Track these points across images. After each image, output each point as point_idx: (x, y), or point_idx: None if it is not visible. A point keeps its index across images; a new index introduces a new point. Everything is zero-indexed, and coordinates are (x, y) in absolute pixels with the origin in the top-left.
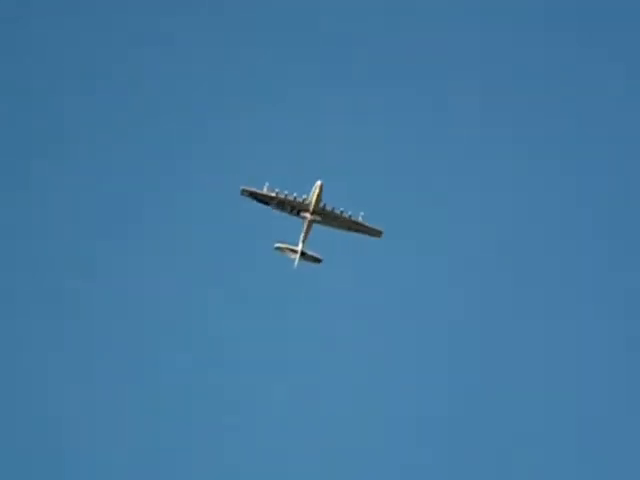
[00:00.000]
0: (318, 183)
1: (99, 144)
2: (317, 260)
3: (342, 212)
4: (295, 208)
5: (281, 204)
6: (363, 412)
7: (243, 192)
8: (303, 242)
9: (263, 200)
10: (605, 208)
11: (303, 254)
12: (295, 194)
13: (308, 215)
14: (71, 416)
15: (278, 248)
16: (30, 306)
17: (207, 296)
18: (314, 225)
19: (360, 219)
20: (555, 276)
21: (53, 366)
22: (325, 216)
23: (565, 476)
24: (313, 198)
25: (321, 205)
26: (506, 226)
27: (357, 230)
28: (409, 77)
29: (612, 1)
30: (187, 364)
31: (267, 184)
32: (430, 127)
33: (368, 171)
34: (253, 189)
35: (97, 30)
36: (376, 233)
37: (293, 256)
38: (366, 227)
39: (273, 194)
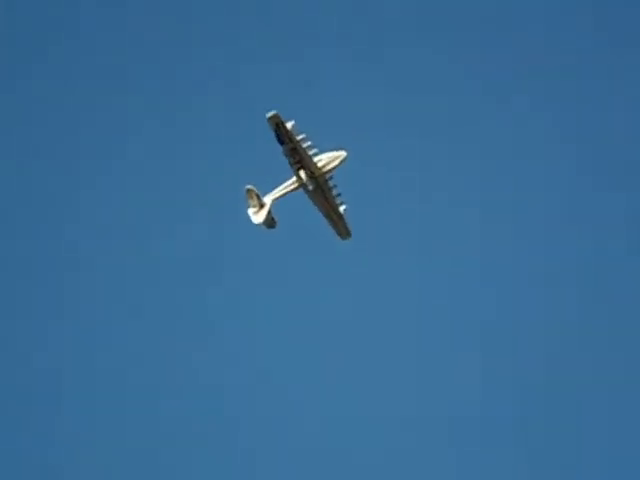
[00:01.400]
0: (343, 154)
1: None
2: (272, 225)
3: (335, 196)
4: (301, 163)
5: (294, 153)
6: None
7: (272, 118)
8: (275, 198)
9: (281, 138)
10: None
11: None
12: (316, 150)
13: (304, 177)
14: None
15: (248, 190)
16: None
17: None
18: (298, 191)
19: (342, 211)
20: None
21: None
22: (319, 189)
23: None
24: (327, 167)
25: (327, 177)
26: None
27: (332, 221)
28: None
29: None
30: None
31: (294, 122)
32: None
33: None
34: (283, 120)
35: None
36: (345, 233)
37: (253, 209)
38: (341, 223)
39: (298, 137)
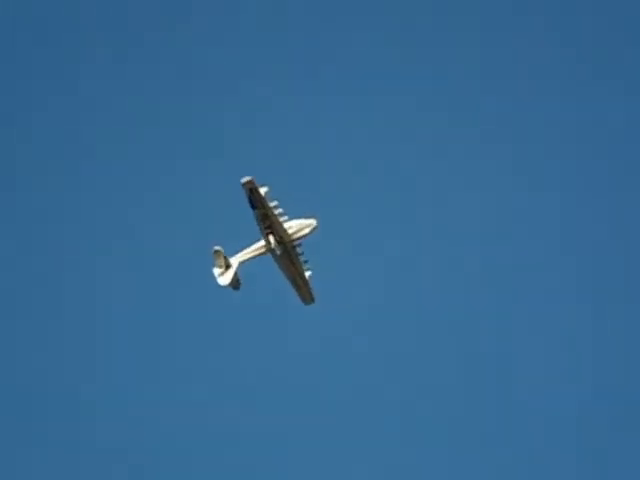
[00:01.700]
0: (313, 223)
1: None
2: (236, 286)
3: (302, 262)
4: (271, 229)
5: (265, 218)
6: None
7: (246, 184)
8: (242, 261)
9: (254, 203)
10: None
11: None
12: (286, 217)
13: (273, 242)
14: None
15: (216, 251)
16: None
17: None
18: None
19: (307, 277)
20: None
21: None
22: (286, 254)
23: None
24: (297, 235)
25: (295, 243)
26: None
27: (296, 285)
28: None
29: None
30: None
31: (268, 188)
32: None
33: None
34: (257, 186)
35: None
36: (309, 298)
37: (219, 269)
38: (306, 288)
39: (271, 203)
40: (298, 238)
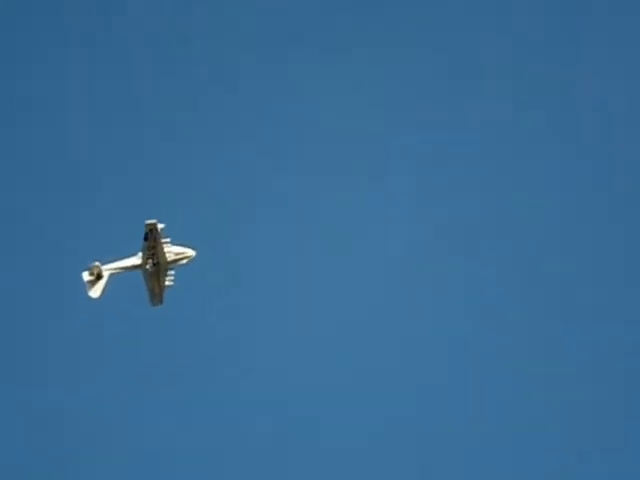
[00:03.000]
0: (192, 254)
1: None
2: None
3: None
4: (152, 256)
5: (152, 247)
6: None
7: (149, 225)
8: (113, 274)
9: (148, 238)
10: None
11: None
12: (169, 240)
13: (149, 264)
14: None
15: (95, 266)
16: None
17: None
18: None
19: (166, 283)
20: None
21: None
22: (156, 272)
23: None
24: (175, 262)
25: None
26: None
27: (152, 292)
28: None
29: None
30: None
31: (164, 225)
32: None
33: None
34: (157, 227)
35: None
36: (158, 301)
37: (89, 277)
38: (160, 293)
39: (163, 240)
40: (174, 265)
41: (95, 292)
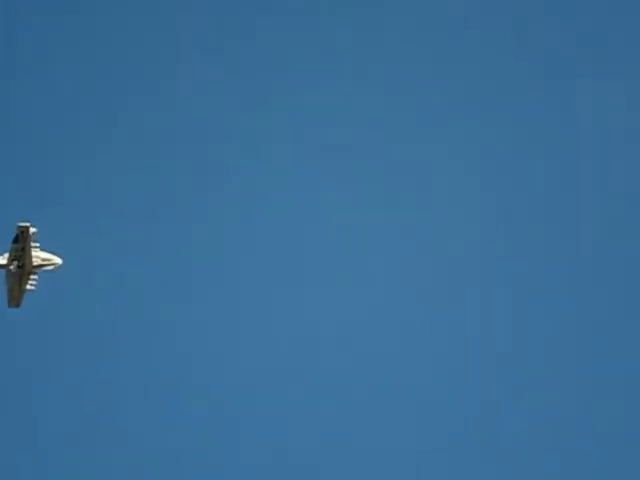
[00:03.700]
0: (58, 262)
1: None
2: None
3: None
4: (19, 258)
5: (20, 250)
6: None
7: (21, 227)
8: None
9: (18, 240)
10: None
11: None
12: (38, 245)
13: (14, 266)
14: None
15: None
16: None
17: None
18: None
19: (26, 287)
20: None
21: None
22: (18, 273)
23: None
24: (40, 267)
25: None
26: None
27: (11, 292)
28: None
29: None
30: None
31: (36, 230)
32: None
33: None
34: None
35: None
36: (15, 304)
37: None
38: (19, 296)
39: (32, 243)
40: (39, 268)
41: None
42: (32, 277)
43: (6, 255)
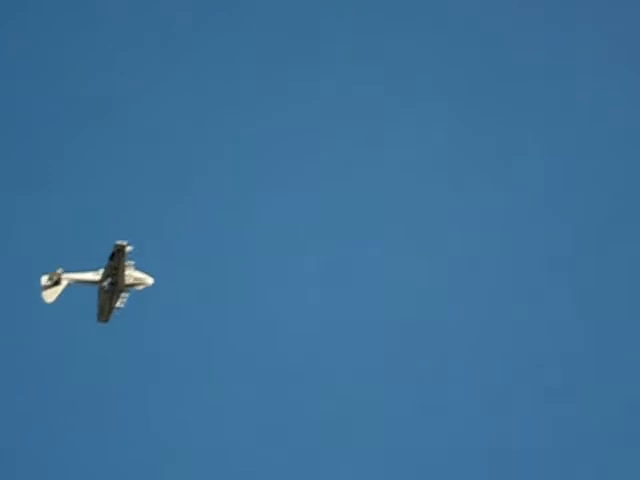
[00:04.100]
0: (150, 282)
1: None
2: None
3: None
4: (113, 275)
5: (115, 268)
6: None
7: (118, 246)
8: (71, 283)
9: (113, 257)
10: None
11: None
12: (132, 263)
13: (107, 283)
14: None
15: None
16: None
17: None
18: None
19: (116, 307)
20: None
21: None
22: (110, 292)
23: None
24: (132, 287)
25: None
26: None
27: (102, 308)
28: None
29: None
30: None
31: (132, 248)
32: None
33: None
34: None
35: None
36: (105, 319)
37: (49, 282)
38: (108, 314)
39: (127, 262)
40: (131, 289)
41: (50, 297)
42: (123, 295)
43: (101, 271)
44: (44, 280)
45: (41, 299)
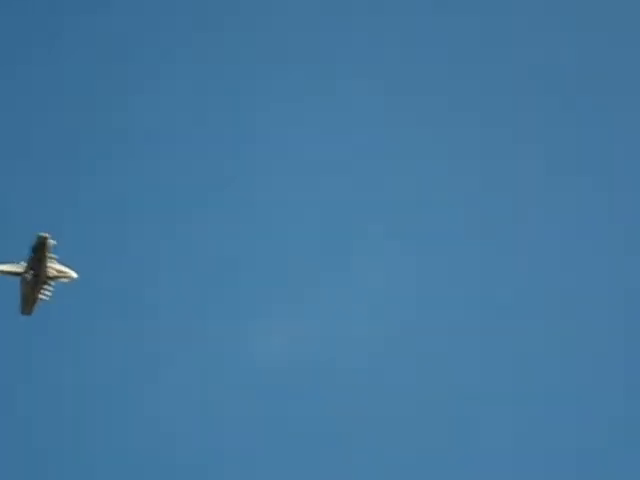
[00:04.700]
0: (73, 276)
1: None
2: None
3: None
4: (36, 268)
5: (38, 260)
6: None
7: (40, 238)
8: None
9: (36, 250)
10: None
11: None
12: (56, 257)
13: (30, 274)
14: None
15: None
16: None
17: None
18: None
19: (39, 297)
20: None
21: None
22: (33, 282)
23: None
24: (55, 279)
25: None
26: None
27: (25, 300)
28: None
29: None
30: None
31: (55, 242)
32: None
33: None
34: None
35: None
36: (28, 312)
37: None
38: (33, 305)
39: (50, 255)
40: (54, 280)
41: None
42: (47, 287)
43: (24, 263)
44: None
45: None
